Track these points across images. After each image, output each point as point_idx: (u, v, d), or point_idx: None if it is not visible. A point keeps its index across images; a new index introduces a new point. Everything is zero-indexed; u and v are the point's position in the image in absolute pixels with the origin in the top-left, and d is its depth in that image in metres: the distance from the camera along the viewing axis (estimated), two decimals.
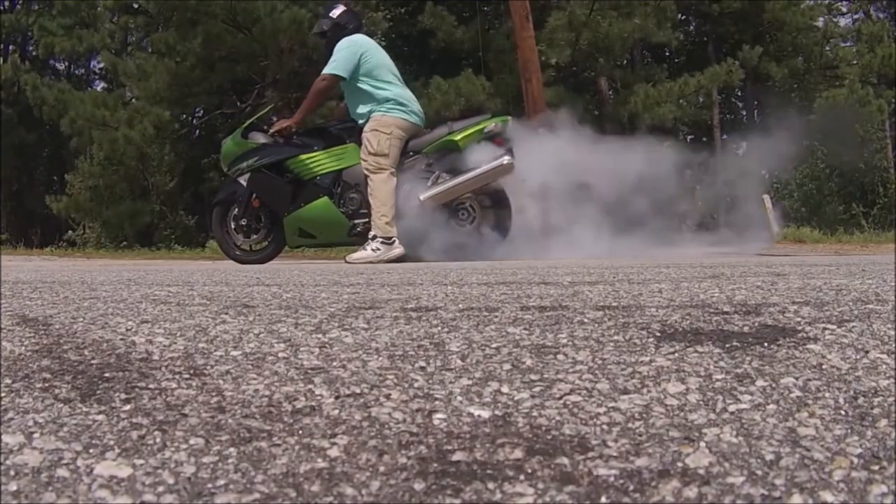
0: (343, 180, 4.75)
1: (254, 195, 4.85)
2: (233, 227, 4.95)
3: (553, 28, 12.97)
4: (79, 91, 14.07)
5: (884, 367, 0.83)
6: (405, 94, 4.79)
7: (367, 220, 4.62)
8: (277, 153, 4.80)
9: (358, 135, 4.70)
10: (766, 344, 0.95)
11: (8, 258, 9.07)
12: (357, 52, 4.63)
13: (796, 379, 0.79)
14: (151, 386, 0.82)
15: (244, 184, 4.85)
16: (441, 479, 0.57)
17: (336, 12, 4.84)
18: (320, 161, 4.76)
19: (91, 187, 13.84)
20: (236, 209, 4.94)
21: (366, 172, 4.54)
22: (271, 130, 4.81)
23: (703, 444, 0.62)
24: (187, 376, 0.86)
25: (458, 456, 0.61)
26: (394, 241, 4.50)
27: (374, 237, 4.48)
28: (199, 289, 1.98)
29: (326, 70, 4.66)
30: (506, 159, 4.60)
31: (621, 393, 0.77)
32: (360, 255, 4.48)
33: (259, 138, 4.88)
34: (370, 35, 5.51)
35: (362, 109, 4.67)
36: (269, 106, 5.07)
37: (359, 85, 4.65)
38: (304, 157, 4.76)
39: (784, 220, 9.99)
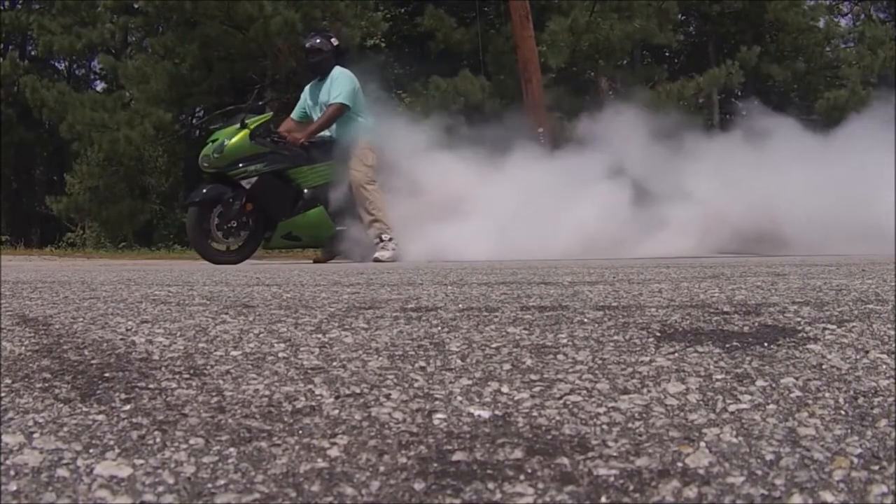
0: (333, 192, 5.22)
1: (246, 198, 4.98)
2: (215, 227, 5.02)
3: (554, 31, 12.96)
4: (78, 93, 14.03)
5: (884, 367, 0.83)
6: (375, 120, 5.48)
7: (345, 227, 5.22)
8: (283, 161, 5.14)
9: (337, 153, 5.19)
10: (766, 344, 0.95)
11: (8, 258, 9.06)
12: (356, 87, 5.30)
13: (796, 379, 0.79)
14: (151, 386, 0.82)
15: (246, 186, 4.99)
16: (441, 479, 0.57)
17: (336, 41, 5.44)
18: (320, 173, 5.25)
19: (90, 187, 13.83)
20: (221, 210, 4.99)
21: (363, 183, 5.13)
22: (286, 141, 5.19)
23: (703, 444, 0.62)
24: (187, 376, 0.86)
25: (458, 456, 0.61)
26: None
27: (391, 238, 5.09)
28: (199, 289, 1.98)
29: (340, 99, 5.20)
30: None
31: (621, 393, 0.77)
32: (387, 254, 4.98)
33: (265, 145, 5.10)
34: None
35: (350, 132, 5.25)
36: (269, 114, 5.32)
37: (348, 113, 5.24)
38: (306, 168, 5.21)
39: None
